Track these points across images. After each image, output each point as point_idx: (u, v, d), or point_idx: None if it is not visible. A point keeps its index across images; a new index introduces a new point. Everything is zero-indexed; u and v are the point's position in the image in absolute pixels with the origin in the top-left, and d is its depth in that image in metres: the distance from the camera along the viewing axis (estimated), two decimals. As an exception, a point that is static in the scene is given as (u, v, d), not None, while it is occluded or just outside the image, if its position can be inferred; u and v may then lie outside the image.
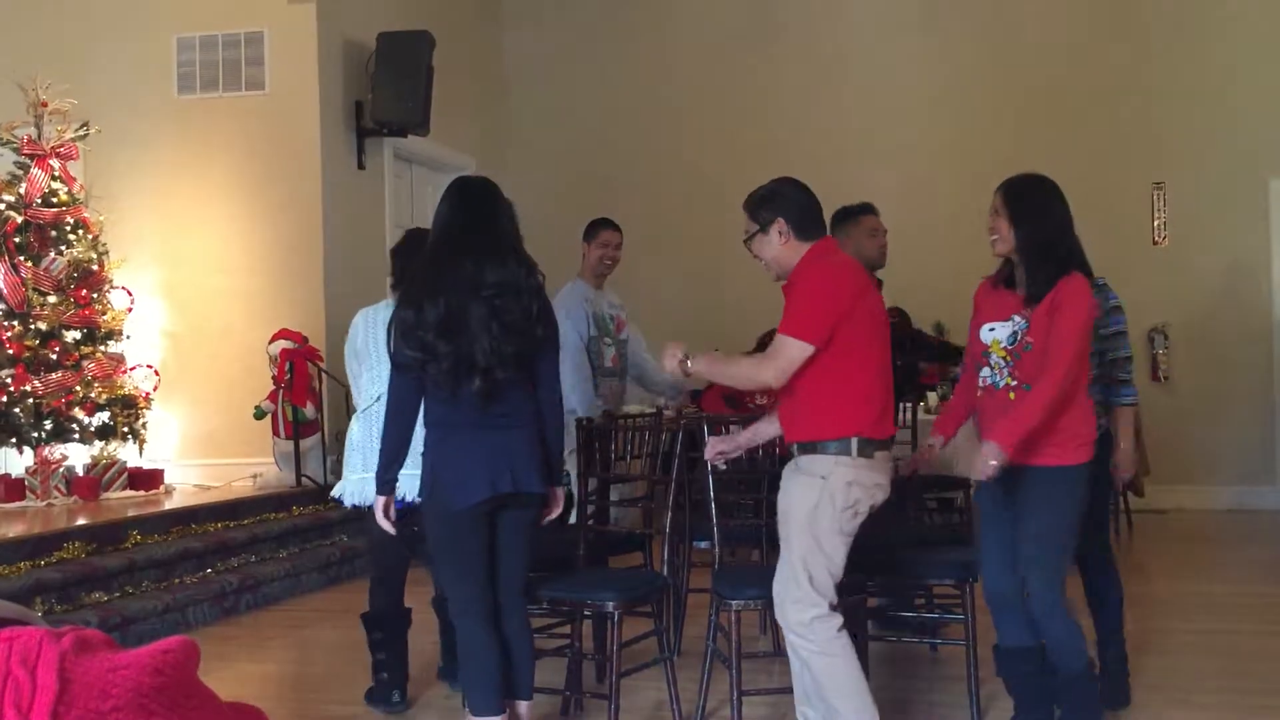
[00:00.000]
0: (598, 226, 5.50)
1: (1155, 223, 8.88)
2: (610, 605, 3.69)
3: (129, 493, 7.04)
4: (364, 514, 4.06)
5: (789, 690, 3.48)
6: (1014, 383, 3.45)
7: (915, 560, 4.08)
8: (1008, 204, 3.50)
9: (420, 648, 4.55)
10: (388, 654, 4.25)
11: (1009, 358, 3.48)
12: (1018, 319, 3.48)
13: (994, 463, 3.24)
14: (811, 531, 3.25)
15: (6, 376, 6.76)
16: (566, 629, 4.22)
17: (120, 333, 7.22)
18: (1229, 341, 8.70)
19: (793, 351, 3.23)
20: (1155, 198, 8.88)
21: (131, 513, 6.37)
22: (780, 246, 3.37)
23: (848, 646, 3.26)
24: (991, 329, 3.52)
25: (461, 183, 3.61)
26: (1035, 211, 3.49)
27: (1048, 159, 8.97)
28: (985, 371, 3.53)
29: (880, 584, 4.31)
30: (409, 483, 3.64)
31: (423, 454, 3.41)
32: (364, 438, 4.11)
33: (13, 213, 6.93)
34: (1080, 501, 3.44)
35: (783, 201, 3.40)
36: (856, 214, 4.69)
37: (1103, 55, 8.93)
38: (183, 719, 0.49)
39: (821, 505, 3.24)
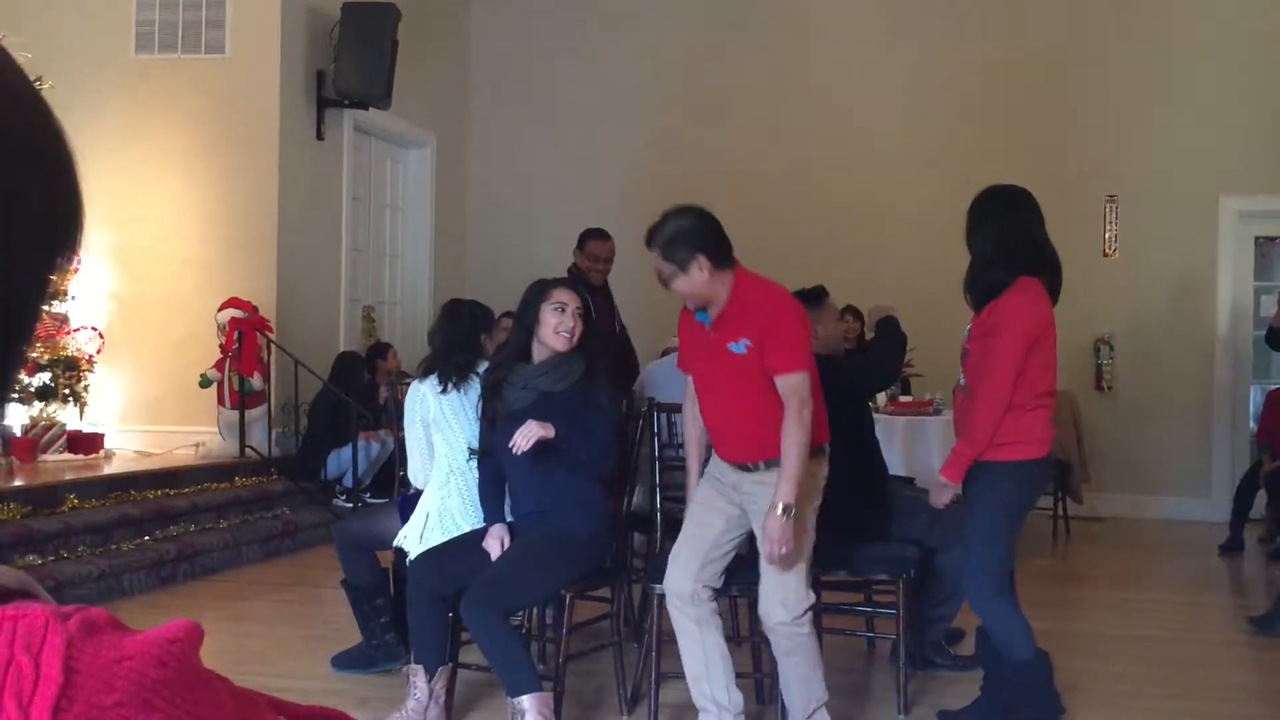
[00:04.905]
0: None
1: (1106, 235, 9.01)
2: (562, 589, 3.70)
3: (67, 456, 6.92)
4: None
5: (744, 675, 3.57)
6: (963, 384, 3.57)
7: (851, 555, 4.10)
8: (967, 217, 3.66)
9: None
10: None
11: (962, 361, 3.60)
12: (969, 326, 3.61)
13: (947, 499, 3.52)
14: (807, 525, 3.38)
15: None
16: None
17: (65, 293, 7.08)
18: (1172, 354, 8.85)
19: (808, 387, 3.27)
20: (1108, 211, 9.01)
21: (69, 476, 6.27)
22: (704, 281, 3.31)
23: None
24: (965, 330, 3.66)
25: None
26: (978, 223, 3.59)
27: (1004, 170, 9.12)
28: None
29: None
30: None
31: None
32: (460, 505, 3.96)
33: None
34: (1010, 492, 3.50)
35: (696, 237, 3.30)
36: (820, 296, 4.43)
37: (1059, 71, 9.02)
38: (186, 713, 0.48)
39: (812, 499, 3.40)
